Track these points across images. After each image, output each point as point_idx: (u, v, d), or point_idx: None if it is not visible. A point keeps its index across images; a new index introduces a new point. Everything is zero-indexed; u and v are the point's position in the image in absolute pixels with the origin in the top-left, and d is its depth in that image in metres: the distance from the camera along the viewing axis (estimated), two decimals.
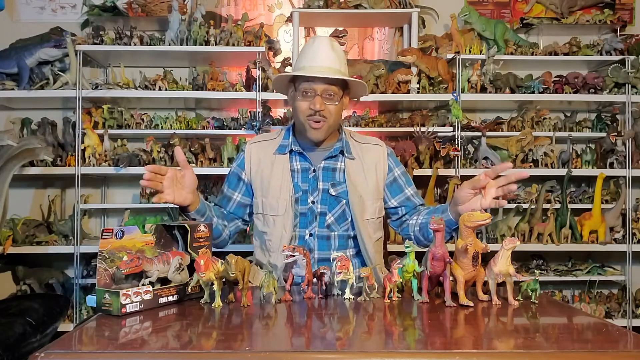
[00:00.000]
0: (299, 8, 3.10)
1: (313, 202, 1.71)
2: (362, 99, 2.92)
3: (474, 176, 3.05)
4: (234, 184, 1.80)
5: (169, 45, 2.88)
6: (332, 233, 1.71)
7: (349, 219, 1.72)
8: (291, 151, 1.76)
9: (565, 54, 3.06)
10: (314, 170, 1.74)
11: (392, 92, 2.97)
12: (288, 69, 3.00)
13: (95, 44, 2.86)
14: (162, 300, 1.26)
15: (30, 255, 2.91)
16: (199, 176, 2.99)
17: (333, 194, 1.72)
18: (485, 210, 1.39)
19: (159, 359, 0.95)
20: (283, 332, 1.13)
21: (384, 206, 1.81)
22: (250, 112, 2.97)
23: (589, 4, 3.30)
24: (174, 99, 3.03)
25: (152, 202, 2.94)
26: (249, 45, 2.90)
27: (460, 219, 1.29)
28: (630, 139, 3.01)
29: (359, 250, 1.73)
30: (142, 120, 2.97)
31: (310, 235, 1.71)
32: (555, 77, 3.09)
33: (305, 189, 1.72)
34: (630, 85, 3.02)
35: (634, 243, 3.02)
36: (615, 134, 3.02)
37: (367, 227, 1.73)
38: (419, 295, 1.32)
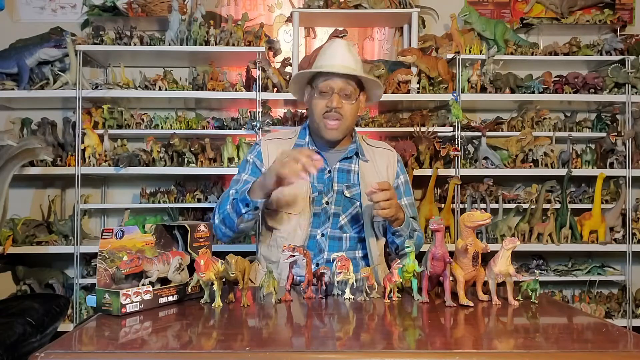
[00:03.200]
0: (299, 8, 3.10)
1: (327, 203, 1.72)
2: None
3: (474, 176, 3.08)
4: (253, 172, 1.76)
5: (169, 45, 2.88)
6: (344, 234, 1.73)
7: (361, 221, 1.73)
8: None
9: (565, 54, 3.06)
10: (329, 172, 1.75)
11: (392, 92, 2.97)
12: (288, 69, 3.00)
13: (95, 44, 2.86)
14: (162, 300, 1.26)
15: (30, 255, 2.91)
16: (199, 176, 3.04)
17: (348, 195, 1.73)
18: (485, 210, 1.39)
19: (159, 359, 0.95)
20: (283, 332, 1.13)
21: None
22: (250, 112, 2.96)
23: (589, 4, 3.29)
24: (174, 99, 3.03)
25: (153, 203, 2.95)
26: (249, 45, 2.90)
27: (461, 219, 1.29)
28: (630, 139, 3.01)
29: (367, 252, 1.74)
30: (142, 120, 2.97)
31: (322, 235, 1.71)
32: (555, 77, 3.09)
33: (320, 190, 1.73)
34: (630, 85, 3.01)
35: (634, 243, 3.02)
36: (615, 134, 3.02)
37: (375, 230, 1.75)
38: (419, 295, 1.32)
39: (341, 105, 1.69)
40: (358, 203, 1.73)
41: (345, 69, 1.69)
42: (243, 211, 1.60)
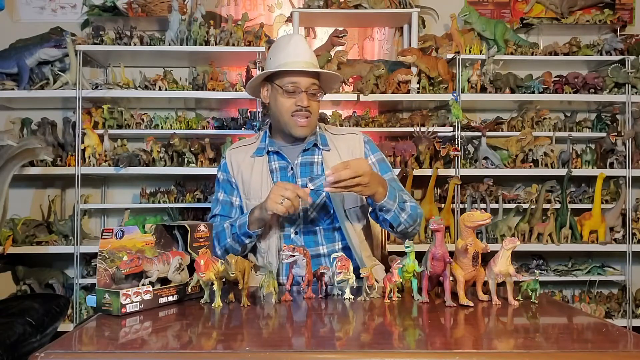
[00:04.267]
0: (299, 8, 3.10)
1: None
2: (362, 98, 2.94)
3: (474, 176, 3.09)
4: (228, 189, 1.81)
5: (169, 45, 2.88)
6: (317, 227, 1.71)
7: (331, 211, 1.71)
8: (268, 152, 1.78)
9: (565, 54, 3.06)
10: (292, 169, 1.75)
11: (392, 92, 2.97)
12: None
13: (95, 44, 2.86)
14: (162, 300, 1.26)
15: (30, 255, 2.91)
16: (199, 176, 3.04)
17: (312, 187, 1.71)
18: (485, 210, 1.39)
19: (159, 359, 0.95)
20: (283, 332, 1.13)
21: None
22: (250, 112, 2.97)
23: (589, 4, 3.29)
24: (174, 99, 3.03)
25: (153, 203, 2.95)
26: (249, 45, 2.90)
27: (461, 219, 1.29)
28: (630, 139, 3.01)
29: (347, 242, 1.71)
30: (142, 120, 2.97)
31: (296, 233, 1.70)
32: (555, 77, 3.09)
33: None
34: (630, 85, 3.01)
35: (634, 243, 3.02)
36: (615, 134, 3.02)
37: (350, 217, 1.72)
38: (419, 295, 1.32)
39: (310, 103, 1.69)
40: (325, 194, 1.70)
41: (310, 65, 1.69)
42: (247, 242, 1.67)
